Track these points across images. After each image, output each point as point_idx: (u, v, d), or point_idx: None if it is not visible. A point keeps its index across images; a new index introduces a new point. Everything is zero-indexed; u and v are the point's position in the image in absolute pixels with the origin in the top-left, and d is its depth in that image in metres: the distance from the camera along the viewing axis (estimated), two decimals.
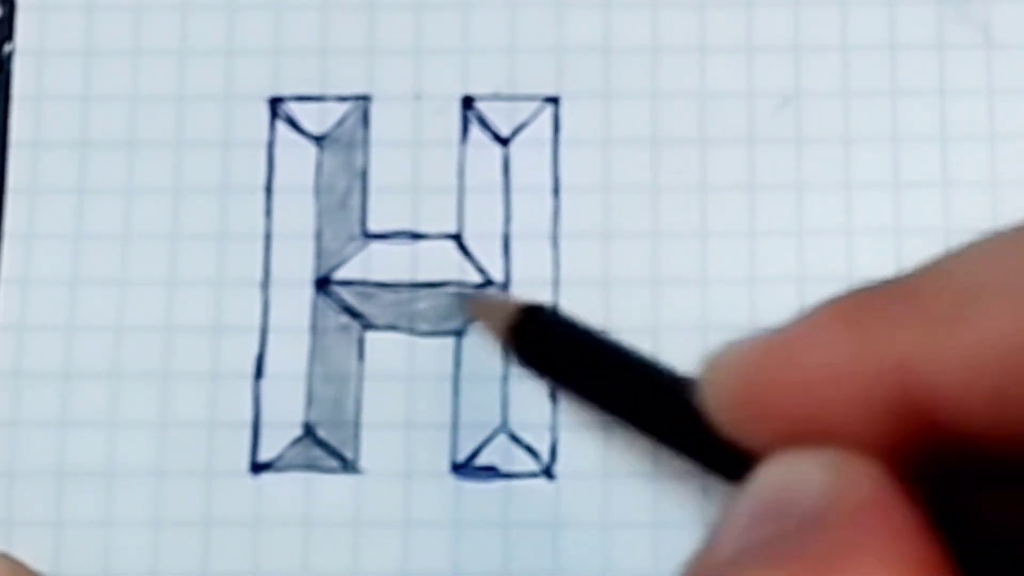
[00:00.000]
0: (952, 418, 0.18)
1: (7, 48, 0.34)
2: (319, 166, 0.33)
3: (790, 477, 0.19)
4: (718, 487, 0.31)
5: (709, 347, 0.32)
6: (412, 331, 0.33)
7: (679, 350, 0.32)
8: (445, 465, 0.32)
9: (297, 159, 0.33)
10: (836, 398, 0.19)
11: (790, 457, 0.20)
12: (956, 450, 0.18)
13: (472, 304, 0.32)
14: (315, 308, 0.33)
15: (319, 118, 0.34)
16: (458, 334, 0.33)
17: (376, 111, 0.34)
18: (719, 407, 0.21)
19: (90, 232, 0.33)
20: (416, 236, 0.33)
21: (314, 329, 0.33)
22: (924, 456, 0.19)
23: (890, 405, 0.19)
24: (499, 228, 0.33)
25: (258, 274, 0.33)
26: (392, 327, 0.33)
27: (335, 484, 0.32)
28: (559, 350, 0.30)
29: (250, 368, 0.33)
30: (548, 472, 0.32)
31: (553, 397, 0.32)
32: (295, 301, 0.33)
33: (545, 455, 0.32)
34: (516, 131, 0.33)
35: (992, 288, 0.18)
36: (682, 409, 0.26)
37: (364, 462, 0.32)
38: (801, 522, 0.18)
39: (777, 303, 0.32)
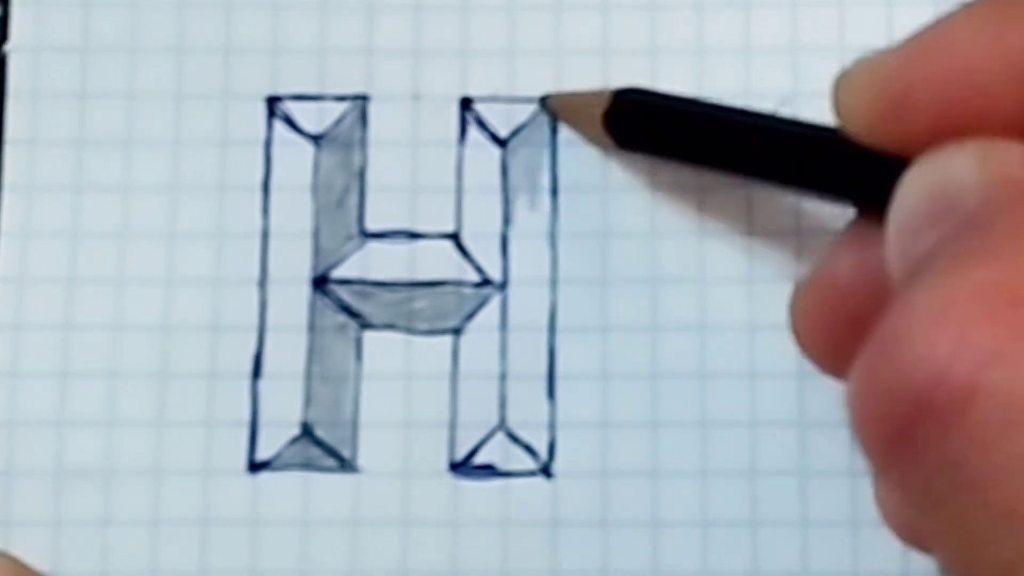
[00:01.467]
0: None
1: (3, 45, 0.34)
2: (317, 165, 0.34)
3: (947, 173, 0.19)
4: (716, 483, 0.31)
5: (707, 347, 0.32)
6: (410, 330, 0.33)
7: (677, 350, 0.32)
8: (443, 464, 0.32)
9: (295, 158, 0.33)
10: (978, 85, 0.19)
11: (943, 153, 0.20)
12: None
13: (558, 103, 0.33)
14: (313, 307, 0.33)
15: (317, 117, 0.34)
16: (456, 333, 0.33)
17: (374, 111, 0.34)
18: (860, 113, 0.21)
19: (87, 230, 0.33)
20: (414, 236, 0.33)
21: (312, 328, 0.33)
22: None
23: None
24: (497, 228, 0.33)
25: (256, 273, 0.33)
26: (390, 326, 0.33)
27: (333, 483, 0.32)
28: (658, 127, 0.31)
29: (248, 367, 0.33)
30: (546, 471, 0.32)
31: (551, 395, 0.32)
32: (293, 300, 0.33)
33: (543, 454, 0.32)
34: (514, 132, 0.33)
35: None
36: (800, 143, 0.27)
37: (362, 461, 0.32)
38: (971, 217, 0.19)
39: (776, 303, 0.32)
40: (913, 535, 0.22)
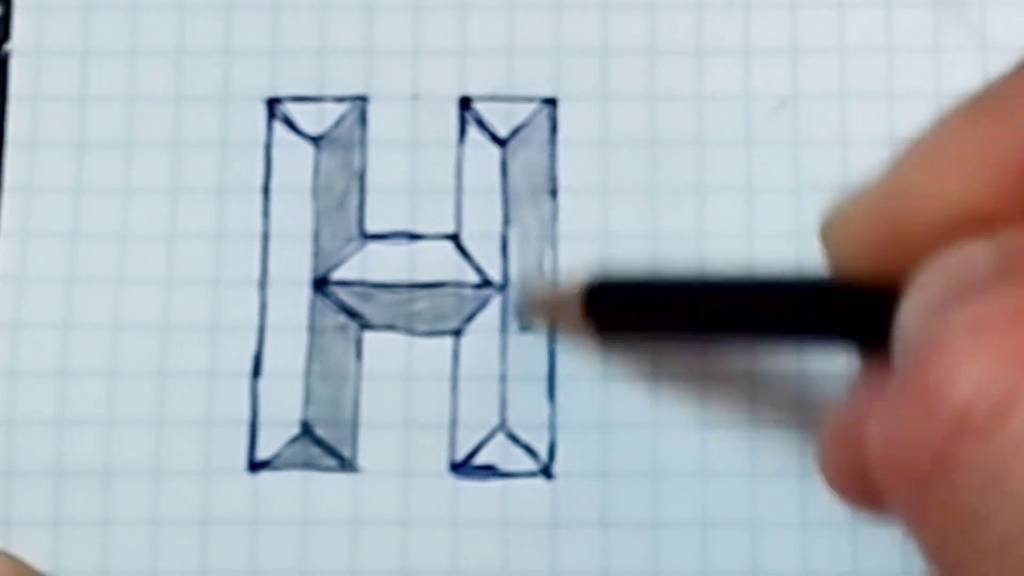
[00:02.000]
0: None
1: (4, 48, 0.34)
2: (317, 167, 0.34)
3: (965, 256, 0.19)
4: (716, 484, 0.31)
5: (705, 348, 0.32)
6: (410, 331, 0.33)
7: (676, 350, 0.32)
8: (443, 464, 0.32)
9: (295, 160, 0.34)
10: (973, 198, 0.19)
11: (958, 246, 0.19)
12: None
13: (530, 306, 0.32)
14: (313, 308, 0.33)
15: (316, 119, 0.34)
16: (456, 334, 0.33)
17: (374, 112, 0.34)
18: (855, 252, 0.21)
19: (87, 232, 0.33)
20: (414, 236, 0.33)
21: (312, 329, 0.33)
22: None
23: None
24: (497, 229, 0.33)
25: (256, 274, 0.33)
26: (390, 327, 0.33)
27: (333, 483, 0.32)
28: (641, 307, 0.30)
29: (248, 367, 0.33)
30: (546, 471, 0.32)
31: (551, 396, 0.32)
32: (293, 301, 0.33)
33: (543, 454, 0.32)
34: (514, 132, 0.33)
35: None
36: (791, 293, 0.26)
37: (362, 461, 0.32)
38: (986, 290, 0.18)
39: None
40: None
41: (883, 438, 0.19)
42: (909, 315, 0.20)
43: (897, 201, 0.21)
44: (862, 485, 0.21)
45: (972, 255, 0.19)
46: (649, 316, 0.30)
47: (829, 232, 0.22)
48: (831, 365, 0.31)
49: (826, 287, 0.24)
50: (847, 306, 0.24)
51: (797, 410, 0.32)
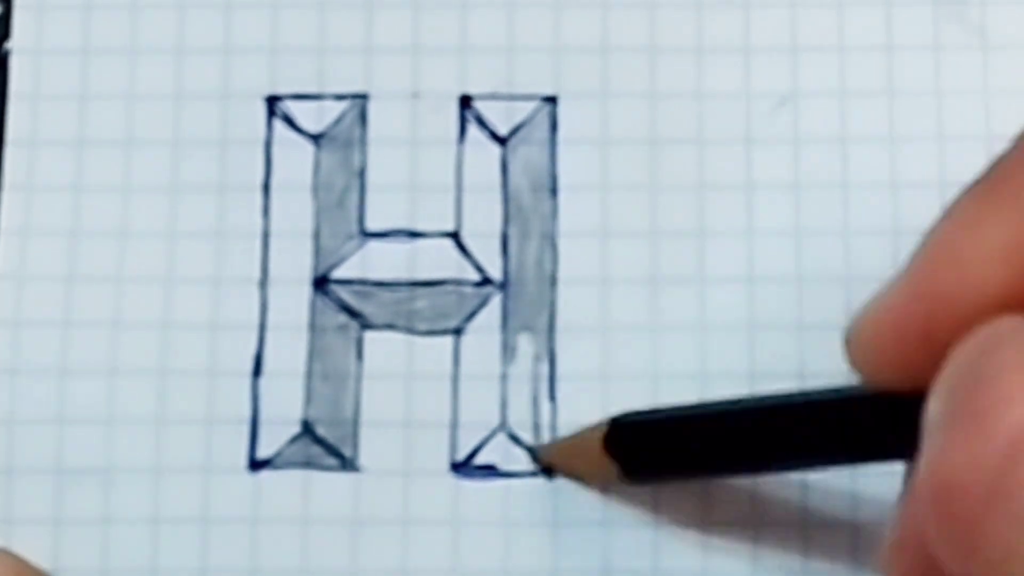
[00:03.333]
0: None
1: (4, 47, 0.34)
2: (317, 165, 0.34)
3: (991, 335, 0.19)
4: (718, 482, 0.31)
5: (707, 347, 0.32)
6: (410, 330, 0.33)
7: (677, 351, 0.32)
8: (444, 464, 0.32)
9: (295, 158, 0.34)
10: (1000, 274, 0.19)
11: (976, 345, 0.19)
12: None
13: (551, 455, 0.32)
14: (313, 307, 0.33)
15: (317, 117, 0.34)
16: (456, 332, 0.33)
17: (374, 110, 0.34)
18: (882, 359, 0.20)
19: (87, 230, 0.33)
20: (414, 235, 0.33)
21: (312, 328, 0.33)
22: None
23: None
24: (497, 227, 0.33)
25: (256, 273, 0.33)
26: (390, 326, 0.33)
27: (334, 482, 0.32)
28: (662, 447, 0.29)
29: (248, 366, 0.33)
30: (547, 471, 0.32)
31: (552, 396, 0.32)
32: (293, 300, 0.33)
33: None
34: (514, 130, 0.33)
35: None
36: (821, 413, 0.25)
37: (363, 460, 0.32)
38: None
39: (775, 302, 0.32)
40: None
41: (933, 471, 0.18)
42: (947, 380, 0.19)
43: (923, 304, 0.20)
44: None
45: (1003, 323, 0.19)
46: (676, 459, 0.29)
47: (855, 343, 0.22)
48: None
49: (858, 400, 0.24)
50: (883, 419, 0.23)
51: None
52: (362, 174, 0.33)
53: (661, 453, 0.29)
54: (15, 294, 0.33)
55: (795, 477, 0.31)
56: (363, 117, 0.34)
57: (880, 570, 0.23)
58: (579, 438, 0.31)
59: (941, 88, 0.33)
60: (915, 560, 0.21)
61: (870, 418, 0.23)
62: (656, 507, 0.32)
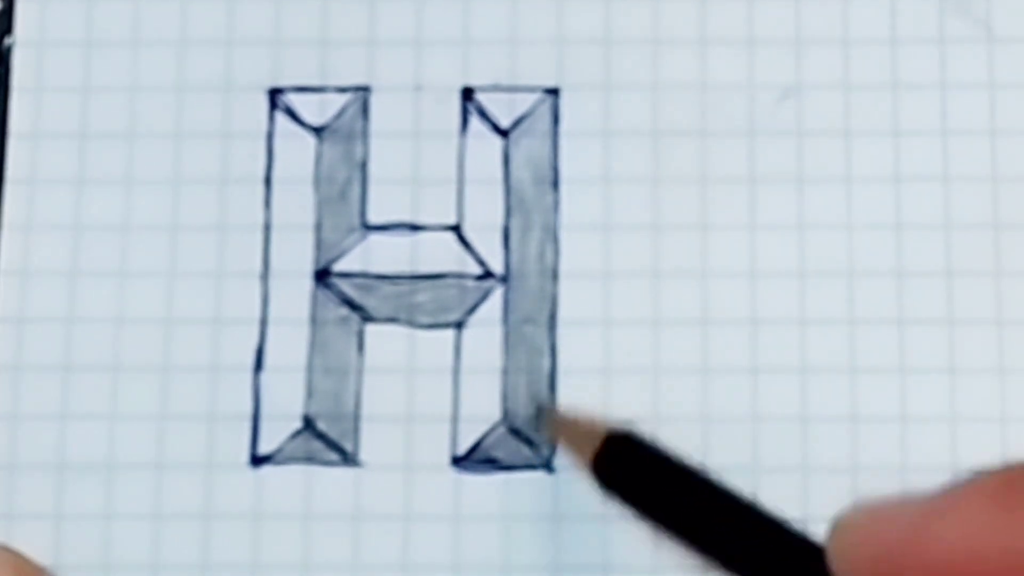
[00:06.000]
0: None
1: (7, 40, 0.34)
2: (319, 157, 0.33)
3: None
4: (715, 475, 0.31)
5: (709, 341, 0.32)
6: (412, 323, 0.33)
7: (678, 343, 0.32)
8: (445, 458, 0.32)
9: (297, 150, 0.33)
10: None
11: None
12: None
13: (556, 424, 0.32)
14: (315, 300, 0.33)
15: (319, 109, 0.34)
16: (458, 326, 0.33)
17: (376, 102, 0.34)
18: (856, 568, 0.20)
19: (89, 223, 0.33)
20: (416, 228, 0.33)
21: (314, 321, 0.33)
22: None
23: None
24: (499, 220, 0.33)
25: (258, 266, 0.33)
26: (392, 319, 0.33)
27: (335, 477, 0.32)
28: (646, 481, 0.29)
29: (250, 360, 0.33)
30: (548, 465, 0.32)
31: (553, 389, 0.32)
32: (295, 293, 0.33)
33: (545, 448, 0.32)
34: (516, 122, 0.33)
35: None
36: (788, 558, 0.25)
37: (364, 455, 0.32)
38: None
39: (777, 296, 0.32)
40: None
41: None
42: None
43: (896, 556, 0.20)
44: None
45: None
46: (650, 498, 0.28)
47: (836, 543, 0.21)
48: None
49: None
50: None
51: None
52: (364, 167, 0.33)
53: (639, 493, 0.29)
54: (17, 288, 0.33)
55: (795, 477, 0.31)
56: (365, 110, 0.34)
57: None
58: (581, 428, 0.31)
59: (946, 81, 0.33)
60: None
61: None
62: None
